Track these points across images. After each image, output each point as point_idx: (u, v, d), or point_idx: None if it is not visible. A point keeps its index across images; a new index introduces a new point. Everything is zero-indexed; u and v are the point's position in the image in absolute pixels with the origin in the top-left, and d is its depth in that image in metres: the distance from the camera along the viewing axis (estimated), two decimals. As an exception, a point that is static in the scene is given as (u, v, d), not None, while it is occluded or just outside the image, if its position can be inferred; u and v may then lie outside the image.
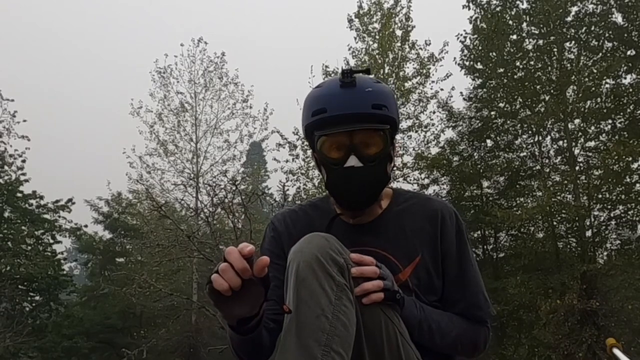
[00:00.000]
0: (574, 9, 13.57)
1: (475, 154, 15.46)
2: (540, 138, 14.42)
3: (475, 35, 14.46)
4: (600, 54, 13.46)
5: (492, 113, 15.01)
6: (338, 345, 1.06)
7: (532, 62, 13.77)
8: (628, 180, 12.97)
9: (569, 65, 13.36)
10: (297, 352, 1.06)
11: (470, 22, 14.46)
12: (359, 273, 1.18)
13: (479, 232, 15.65)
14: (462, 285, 1.39)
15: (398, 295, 1.23)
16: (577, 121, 13.67)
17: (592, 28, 13.56)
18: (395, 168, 15.00)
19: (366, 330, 1.16)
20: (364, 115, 1.28)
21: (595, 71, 13.13)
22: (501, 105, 14.72)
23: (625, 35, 13.49)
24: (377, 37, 14.92)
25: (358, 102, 1.28)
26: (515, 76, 13.95)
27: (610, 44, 13.70)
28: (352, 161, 1.28)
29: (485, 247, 15.91)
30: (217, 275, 1.02)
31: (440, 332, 1.32)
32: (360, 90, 1.29)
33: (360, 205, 1.34)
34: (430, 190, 15.50)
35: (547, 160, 14.50)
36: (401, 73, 14.86)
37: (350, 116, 1.28)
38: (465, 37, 14.56)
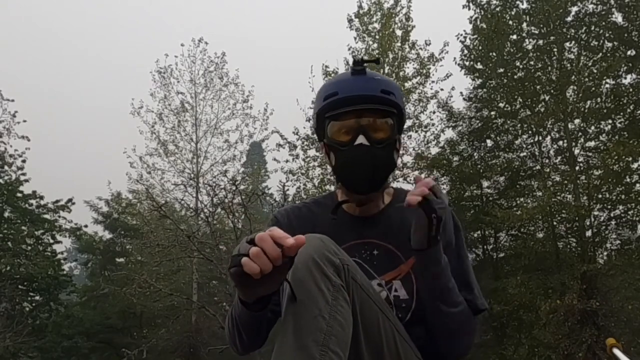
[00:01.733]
0: (574, 9, 13.56)
1: (475, 154, 15.45)
2: (540, 138, 14.41)
3: (475, 36, 14.45)
4: (600, 54, 13.45)
5: (492, 113, 15.00)
6: (335, 344, 1.07)
7: (532, 62, 13.76)
8: (628, 180, 12.97)
9: (569, 65, 13.36)
10: (295, 352, 1.06)
11: (470, 22, 14.46)
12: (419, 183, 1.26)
13: (479, 232, 15.64)
14: (460, 275, 1.40)
15: (435, 217, 1.25)
16: (577, 121, 13.67)
17: (592, 28, 13.54)
18: (395, 168, 15.04)
19: (364, 329, 1.17)
20: (373, 97, 1.35)
21: (595, 71, 13.12)
22: (501, 105, 14.72)
23: (625, 35, 13.48)
24: (377, 37, 14.93)
25: (368, 85, 1.37)
26: (515, 76, 13.94)
27: (610, 44, 13.68)
28: (361, 139, 1.34)
29: (485, 247, 15.90)
30: (248, 259, 1.01)
31: (455, 293, 1.35)
32: (370, 77, 1.38)
33: (366, 185, 1.38)
34: (430, 190, 15.47)
35: (547, 160, 14.49)
36: (401, 73, 14.87)
37: (360, 97, 1.35)
38: (465, 37, 14.57)
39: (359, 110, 1.34)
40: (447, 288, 1.32)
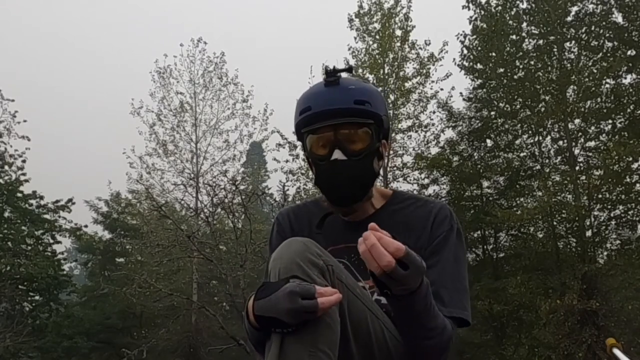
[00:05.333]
0: (574, 8, 13.57)
1: (475, 154, 15.45)
2: (540, 138, 14.41)
3: (475, 36, 14.45)
4: (601, 54, 13.45)
5: (492, 113, 15.00)
6: (324, 345, 1.08)
7: (532, 62, 13.76)
8: (628, 180, 12.96)
9: (569, 65, 13.36)
10: (284, 354, 1.07)
11: (470, 22, 14.46)
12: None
13: (479, 232, 15.64)
14: (447, 281, 1.34)
15: (387, 292, 1.15)
16: (577, 121, 13.67)
17: (592, 28, 13.54)
18: (395, 168, 15.06)
19: (353, 328, 1.18)
20: (345, 110, 1.33)
21: (595, 71, 13.12)
22: (501, 105, 14.72)
23: (626, 35, 13.47)
24: (377, 37, 14.92)
25: (340, 98, 1.34)
26: (515, 76, 13.94)
27: (610, 44, 13.68)
28: (336, 154, 1.33)
29: (485, 247, 15.90)
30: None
31: (431, 325, 1.25)
32: (343, 88, 1.35)
33: (346, 200, 1.37)
34: (430, 190, 15.51)
35: (547, 160, 14.50)
36: (401, 73, 14.87)
37: (333, 111, 1.33)
38: (465, 38, 14.56)
39: (334, 124, 1.33)
40: (423, 327, 1.22)
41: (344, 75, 1.37)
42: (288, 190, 13.67)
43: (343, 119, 1.33)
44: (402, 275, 1.08)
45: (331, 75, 1.35)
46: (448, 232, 1.38)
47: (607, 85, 13.40)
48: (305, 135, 1.38)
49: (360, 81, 1.42)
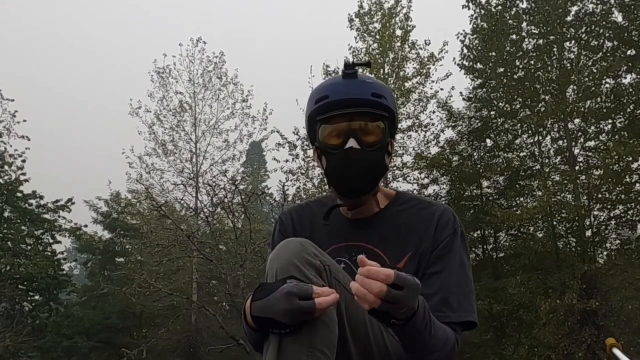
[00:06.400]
0: (574, 8, 13.57)
1: (475, 154, 15.45)
2: (540, 138, 14.41)
3: (475, 36, 14.45)
4: (601, 54, 13.45)
5: (492, 113, 15.00)
6: (322, 345, 1.09)
7: (532, 62, 13.76)
8: (628, 180, 12.96)
9: (569, 65, 13.36)
10: (282, 354, 1.08)
11: (471, 22, 14.46)
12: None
13: (479, 232, 15.64)
14: (451, 285, 1.33)
15: (394, 321, 1.11)
16: (577, 121, 13.67)
17: (592, 28, 13.54)
18: (395, 168, 15.04)
19: (351, 328, 1.18)
20: (364, 101, 1.34)
21: (595, 71, 13.12)
22: (501, 105, 14.72)
23: (626, 35, 13.47)
24: (378, 37, 14.92)
25: (359, 89, 1.35)
26: (515, 76, 13.94)
27: (610, 44, 13.68)
28: (351, 143, 1.33)
29: (485, 247, 15.90)
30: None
31: (434, 342, 1.23)
32: (362, 81, 1.37)
33: (357, 191, 1.37)
34: (430, 190, 15.51)
35: (547, 160, 14.50)
36: (401, 73, 14.87)
37: (351, 101, 1.34)
38: (465, 37, 14.57)
39: (350, 114, 1.33)
40: (425, 344, 1.20)
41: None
42: (288, 190, 13.68)
43: (361, 109, 1.33)
44: (399, 296, 1.03)
45: (350, 68, 1.36)
46: (452, 236, 1.38)
47: (607, 85, 13.40)
48: (319, 125, 1.38)
49: (375, 78, 1.45)
